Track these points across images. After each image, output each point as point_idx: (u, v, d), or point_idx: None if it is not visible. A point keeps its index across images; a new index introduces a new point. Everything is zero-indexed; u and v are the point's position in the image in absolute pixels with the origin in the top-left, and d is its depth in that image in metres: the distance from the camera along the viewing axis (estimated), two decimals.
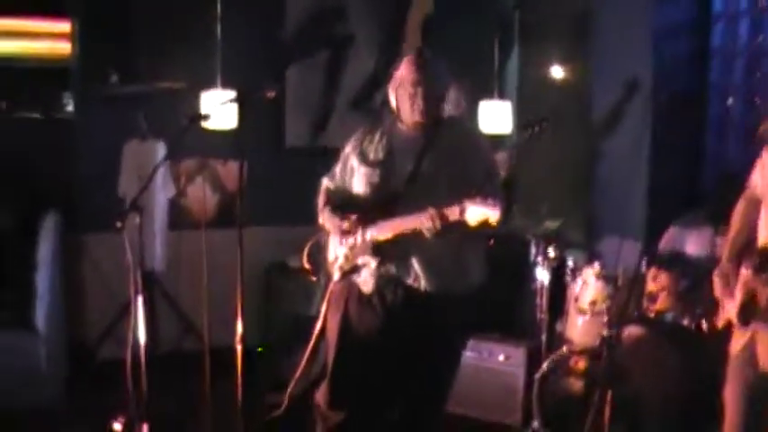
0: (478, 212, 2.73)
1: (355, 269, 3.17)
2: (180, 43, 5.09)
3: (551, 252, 4.43)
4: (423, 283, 3.06)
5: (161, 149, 4.99)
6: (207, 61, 4.94)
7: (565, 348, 3.98)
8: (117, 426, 3.89)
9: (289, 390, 3.54)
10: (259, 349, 3.43)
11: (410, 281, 3.07)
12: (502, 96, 5.64)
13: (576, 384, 3.91)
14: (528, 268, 4.76)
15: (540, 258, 4.48)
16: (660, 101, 4.70)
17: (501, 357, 4.37)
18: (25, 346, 4.30)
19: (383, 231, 3.05)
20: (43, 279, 4.42)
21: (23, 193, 4.81)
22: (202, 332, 5.15)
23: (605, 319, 3.94)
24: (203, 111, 4.45)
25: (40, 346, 4.30)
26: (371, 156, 3.19)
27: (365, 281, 3.14)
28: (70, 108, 5.26)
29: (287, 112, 5.55)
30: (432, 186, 3.01)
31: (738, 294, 2.75)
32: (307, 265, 3.40)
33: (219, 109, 4.40)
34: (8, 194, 4.78)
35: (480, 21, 5.80)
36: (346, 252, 3.17)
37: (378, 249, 3.08)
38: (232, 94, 4.73)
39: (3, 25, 5.09)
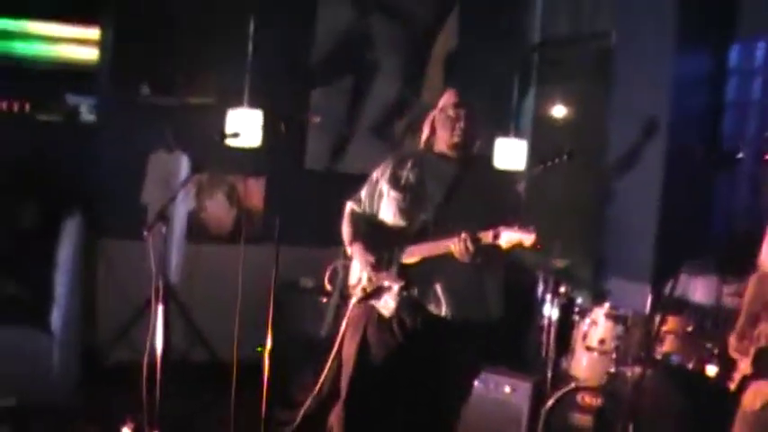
0: (513, 237, 2.80)
1: (378, 291, 3.19)
2: (210, 60, 5.20)
3: (561, 290, 4.52)
4: (443, 309, 3.08)
5: (185, 162, 5.08)
6: (235, 79, 5.04)
7: (573, 384, 4.05)
8: (126, 429, 3.95)
9: (303, 408, 3.55)
10: (258, 348, 3.42)
11: (431, 306, 3.10)
12: (518, 134, 5.76)
13: (582, 419, 3.97)
14: (536, 304, 4.85)
15: (548, 295, 4.56)
16: (674, 147, 4.80)
17: (507, 389, 4.41)
18: (40, 346, 4.35)
19: (412, 255, 3.10)
20: (62, 281, 4.48)
21: (47, 195, 4.88)
22: (211, 344, 5.24)
23: (614, 357, 4.04)
24: (232, 128, 4.58)
25: (54, 346, 4.36)
26: (402, 181, 3.23)
27: (386, 304, 3.16)
28: (94, 114, 5.35)
29: (309, 134, 5.65)
30: (462, 216, 3.02)
31: (753, 349, 2.88)
32: (329, 287, 3.46)
33: (247, 127, 4.54)
34: (32, 195, 4.84)
35: (501, 59, 5.92)
36: (370, 275, 3.21)
37: (402, 272, 3.12)
38: (258, 112, 4.85)
39: (32, 28, 5.19)
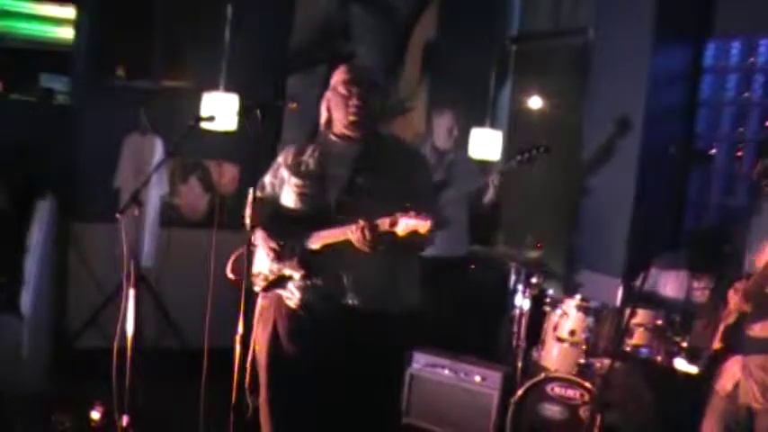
0: (409, 224, 2.69)
1: (281, 281, 3.07)
2: (187, 43, 5.17)
3: (533, 280, 4.55)
4: (351, 299, 2.95)
5: (160, 146, 5.04)
6: (212, 64, 4.99)
7: (543, 374, 4.08)
8: (95, 414, 3.92)
9: (249, 400, 3.48)
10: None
11: (339, 296, 2.95)
12: (494, 125, 5.78)
13: (551, 410, 4.01)
14: (508, 294, 4.88)
15: (520, 286, 4.59)
16: (649, 143, 4.85)
17: (477, 378, 4.45)
18: (9, 328, 4.31)
19: (313, 242, 2.97)
20: (32, 263, 4.44)
21: (19, 177, 4.82)
22: (182, 329, 5.22)
23: (584, 348, 4.08)
24: (208, 112, 4.54)
25: (23, 330, 4.32)
26: (303, 167, 3.09)
27: (291, 294, 3.04)
28: (68, 95, 5.30)
29: (284, 121, 5.64)
30: (368, 197, 2.91)
31: (722, 325, 2.93)
32: (231, 276, 3.23)
33: (222, 111, 4.51)
34: (3, 177, 4.79)
35: (479, 51, 5.94)
36: (272, 263, 3.08)
37: (305, 261, 2.99)
38: (234, 97, 4.82)
39: (7, 5, 5.15)
